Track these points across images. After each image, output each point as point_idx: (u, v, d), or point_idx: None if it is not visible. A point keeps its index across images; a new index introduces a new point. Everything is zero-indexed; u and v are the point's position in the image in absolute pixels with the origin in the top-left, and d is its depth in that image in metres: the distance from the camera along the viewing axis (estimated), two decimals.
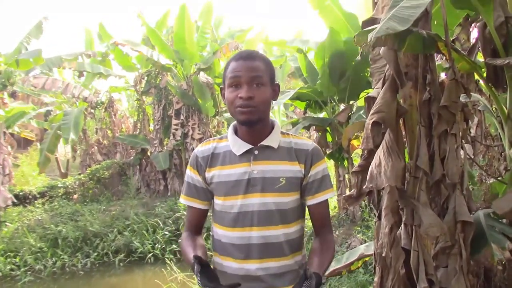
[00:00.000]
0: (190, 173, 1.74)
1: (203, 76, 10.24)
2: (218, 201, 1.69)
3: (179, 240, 1.76)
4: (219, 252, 1.71)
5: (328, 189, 1.73)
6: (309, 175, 1.70)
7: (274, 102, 1.84)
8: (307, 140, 1.77)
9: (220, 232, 1.69)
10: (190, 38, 10.42)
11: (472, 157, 4.30)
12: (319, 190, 1.71)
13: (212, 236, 1.77)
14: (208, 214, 1.82)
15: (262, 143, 1.66)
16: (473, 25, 3.89)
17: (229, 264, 1.66)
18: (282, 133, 1.74)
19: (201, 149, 1.73)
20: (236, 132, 1.72)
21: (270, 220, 1.62)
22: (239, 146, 1.66)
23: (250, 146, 1.65)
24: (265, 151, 1.66)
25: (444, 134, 1.98)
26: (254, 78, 1.57)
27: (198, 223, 1.78)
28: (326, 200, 1.74)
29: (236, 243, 1.63)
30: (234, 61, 1.61)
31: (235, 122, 1.73)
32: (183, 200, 1.77)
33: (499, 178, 2.84)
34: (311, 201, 1.71)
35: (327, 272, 2.88)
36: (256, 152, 1.65)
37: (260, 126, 1.65)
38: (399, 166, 1.88)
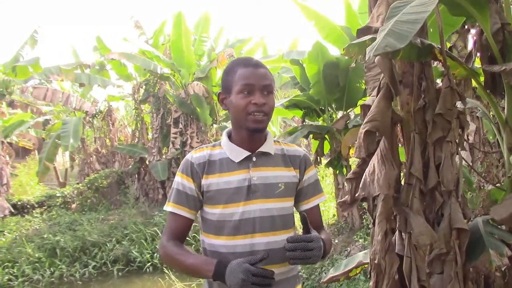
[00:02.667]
0: (182, 180, 1.67)
1: (196, 87, 10.28)
2: (215, 211, 1.64)
3: (163, 249, 1.66)
4: None
5: (321, 193, 1.78)
6: (303, 179, 1.73)
7: None
8: (297, 147, 1.81)
9: (218, 242, 1.63)
10: (187, 47, 10.45)
11: (471, 164, 4.29)
12: (314, 194, 1.75)
13: (204, 249, 1.71)
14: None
15: (260, 149, 1.67)
16: (470, 32, 3.91)
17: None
18: (273, 141, 1.76)
19: (196, 156, 1.69)
20: (230, 138, 1.72)
21: (272, 226, 1.62)
22: (237, 153, 1.66)
23: (248, 153, 1.65)
24: (262, 158, 1.67)
25: (439, 141, 1.98)
26: (266, 86, 1.60)
27: (183, 234, 1.69)
28: (319, 204, 1.78)
29: (238, 251, 1.59)
30: (243, 68, 1.61)
31: (229, 128, 1.75)
32: (171, 208, 1.67)
33: (497, 185, 2.83)
34: (306, 205, 1.74)
35: (326, 279, 2.88)
36: (254, 158, 1.66)
37: (260, 133, 1.67)
38: (392, 174, 1.88)
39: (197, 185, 1.66)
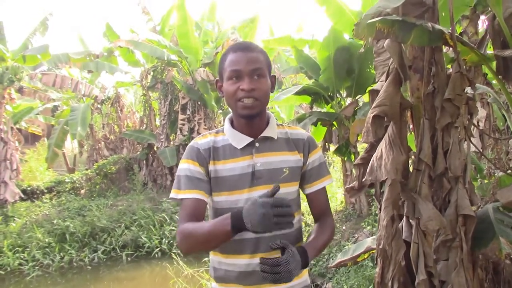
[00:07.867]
0: (189, 166, 1.61)
1: (199, 74, 10.24)
2: (219, 198, 1.62)
3: (180, 235, 1.51)
4: (222, 251, 1.64)
5: (326, 176, 1.73)
6: (307, 163, 1.69)
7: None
8: (301, 129, 1.78)
9: None
10: (192, 33, 10.41)
11: (481, 150, 4.26)
12: (317, 178, 1.71)
13: None
14: None
15: (263, 134, 1.64)
16: (481, 18, 3.85)
17: (236, 262, 1.61)
18: (277, 124, 1.72)
19: (201, 142, 1.66)
20: (232, 124, 1.69)
21: None
22: (239, 140, 1.63)
23: (251, 139, 1.62)
24: (266, 143, 1.64)
25: (448, 127, 1.95)
26: (255, 70, 1.54)
27: (200, 214, 1.57)
28: (325, 187, 1.73)
29: (243, 237, 1.55)
30: (232, 53, 1.58)
31: (231, 114, 1.71)
32: (182, 195, 1.57)
33: (508, 172, 2.81)
34: (310, 189, 1.71)
35: (334, 263, 2.87)
36: (257, 144, 1.63)
37: (258, 118, 1.62)
38: (400, 159, 1.86)
39: (205, 170, 1.62)
